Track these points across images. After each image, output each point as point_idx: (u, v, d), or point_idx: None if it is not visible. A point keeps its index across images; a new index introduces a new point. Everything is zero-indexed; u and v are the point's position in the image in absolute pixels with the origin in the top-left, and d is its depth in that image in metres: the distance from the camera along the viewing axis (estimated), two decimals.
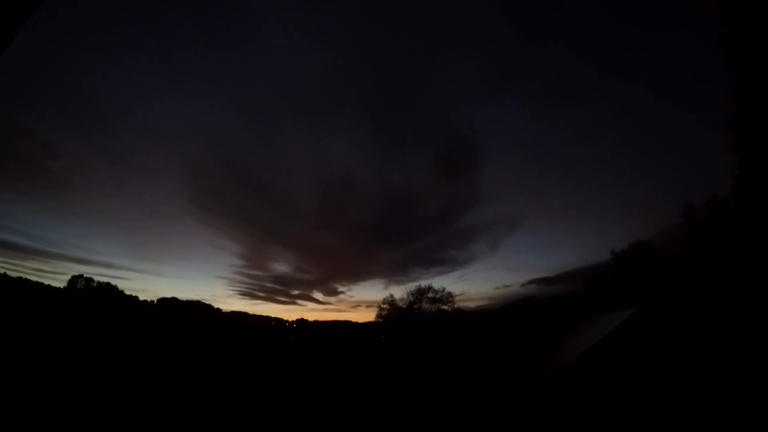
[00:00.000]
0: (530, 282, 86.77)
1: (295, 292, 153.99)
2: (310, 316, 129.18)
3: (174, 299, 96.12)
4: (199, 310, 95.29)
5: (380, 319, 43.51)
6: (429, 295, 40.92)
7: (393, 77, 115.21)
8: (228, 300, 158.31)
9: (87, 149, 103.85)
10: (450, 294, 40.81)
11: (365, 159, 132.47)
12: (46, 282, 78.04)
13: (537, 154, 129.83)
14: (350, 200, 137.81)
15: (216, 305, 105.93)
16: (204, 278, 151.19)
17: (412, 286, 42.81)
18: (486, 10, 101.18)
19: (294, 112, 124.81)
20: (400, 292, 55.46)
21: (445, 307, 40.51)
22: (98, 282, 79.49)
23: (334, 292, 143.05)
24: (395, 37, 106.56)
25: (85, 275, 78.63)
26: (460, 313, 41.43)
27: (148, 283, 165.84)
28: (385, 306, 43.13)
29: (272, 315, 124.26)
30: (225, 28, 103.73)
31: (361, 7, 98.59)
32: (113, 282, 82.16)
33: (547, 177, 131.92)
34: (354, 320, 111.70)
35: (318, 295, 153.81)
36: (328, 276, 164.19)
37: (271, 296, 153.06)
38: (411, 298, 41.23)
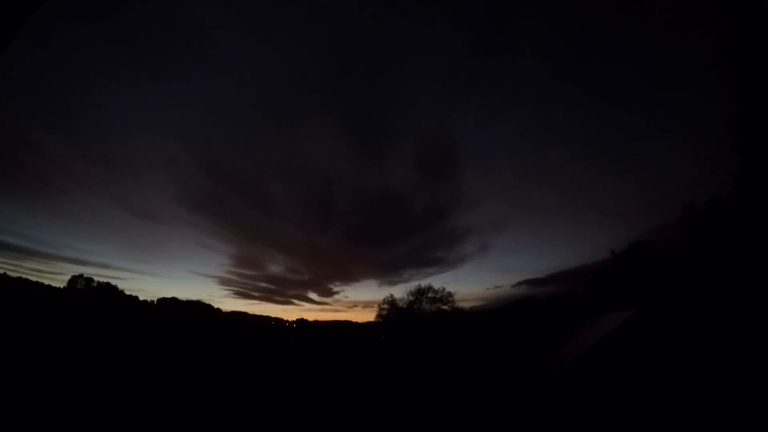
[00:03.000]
0: (520, 283, 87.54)
1: (291, 292, 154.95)
2: (309, 316, 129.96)
3: (174, 299, 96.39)
4: (200, 309, 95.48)
5: (380, 319, 43.60)
6: (429, 295, 40.97)
7: (367, 83, 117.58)
8: (224, 300, 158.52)
9: (74, 152, 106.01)
10: (450, 294, 40.86)
11: (347, 161, 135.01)
12: (45, 282, 78.35)
13: (523, 156, 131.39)
14: (336, 202, 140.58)
15: (214, 305, 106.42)
16: (198, 279, 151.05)
17: (411, 285, 42.89)
18: (455, 18, 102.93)
19: (271, 117, 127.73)
20: (395, 292, 55.75)
21: (444, 307, 40.57)
22: (98, 282, 79.81)
23: (329, 293, 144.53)
24: (362, 45, 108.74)
25: (84, 275, 79.02)
26: (460, 313, 41.47)
27: (144, 283, 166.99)
28: (385, 306, 43.22)
29: (272, 315, 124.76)
30: (200, 37, 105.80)
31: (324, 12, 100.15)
32: (111, 282, 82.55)
33: (536, 179, 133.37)
34: (353, 320, 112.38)
35: (313, 296, 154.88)
36: (321, 277, 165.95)
37: (266, 296, 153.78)
38: (411, 298, 41.29)
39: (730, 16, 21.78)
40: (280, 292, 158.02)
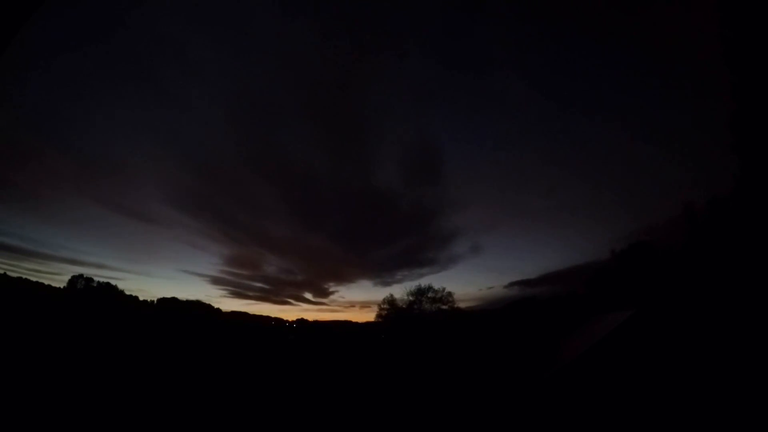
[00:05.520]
0: (513, 284, 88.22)
1: (286, 292, 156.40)
2: (308, 316, 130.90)
3: (174, 299, 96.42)
4: (200, 309, 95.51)
5: (380, 319, 43.65)
6: (429, 295, 41.02)
7: (348, 94, 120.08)
8: (221, 300, 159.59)
9: (67, 156, 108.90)
10: (450, 294, 40.93)
11: (333, 165, 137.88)
12: (45, 282, 78.66)
13: (507, 159, 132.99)
14: (324, 204, 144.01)
15: (213, 305, 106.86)
16: (191, 278, 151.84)
17: (411, 286, 43.03)
18: (426, 32, 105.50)
19: (256, 121, 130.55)
20: (389, 293, 55.89)
21: (444, 307, 40.60)
22: (98, 282, 79.86)
23: (325, 293, 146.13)
24: (341, 54, 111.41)
25: (84, 276, 79.10)
26: (460, 313, 41.52)
27: (139, 283, 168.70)
28: (385, 306, 43.28)
29: (271, 315, 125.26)
30: (184, 49, 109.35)
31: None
32: (111, 282, 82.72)
33: (522, 181, 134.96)
34: (351, 320, 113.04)
35: (308, 296, 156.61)
36: (315, 277, 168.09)
37: (262, 296, 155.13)
38: (411, 298, 41.34)
39: (730, 16, 21.76)
40: (275, 292, 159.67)
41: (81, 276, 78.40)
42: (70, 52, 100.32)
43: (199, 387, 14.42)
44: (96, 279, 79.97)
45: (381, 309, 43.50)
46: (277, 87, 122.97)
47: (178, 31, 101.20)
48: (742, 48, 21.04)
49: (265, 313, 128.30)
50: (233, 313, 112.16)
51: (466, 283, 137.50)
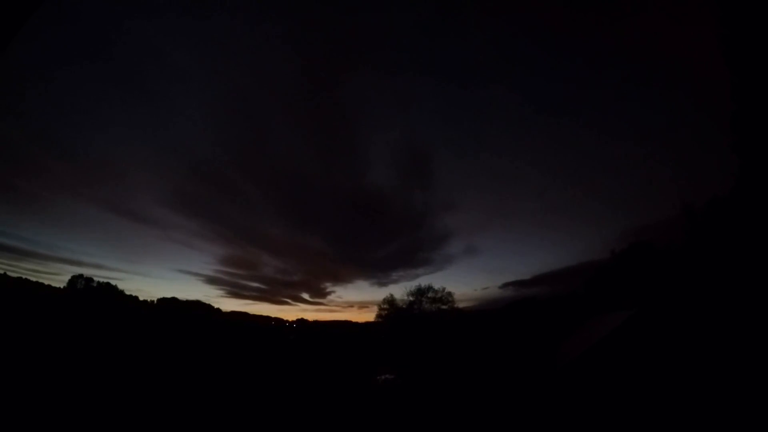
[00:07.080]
0: (507, 284, 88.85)
1: (284, 292, 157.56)
2: (307, 317, 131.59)
3: (174, 299, 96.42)
4: (201, 310, 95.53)
5: (380, 319, 43.61)
6: (429, 295, 40.99)
7: (337, 99, 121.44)
8: (219, 300, 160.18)
9: (63, 159, 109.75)
10: (450, 294, 40.88)
11: (325, 166, 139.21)
12: (45, 282, 78.88)
13: (497, 161, 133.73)
14: (318, 205, 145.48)
15: (213, 305, 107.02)
16: (188, 278, 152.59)
17: (408, 286, 43.00)
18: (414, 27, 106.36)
19: (247, 122, 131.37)
20: (386, 293, 55.88)
21: (444, 307, 40.59)
22: (98, 282, 79.87)
23: (322, 293, 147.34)
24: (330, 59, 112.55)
25: (84, 276, 79.12)
26: (460, 313, 41.52)
27: (137, 283, 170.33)
28: (385, 306, 43.24)
29: (271, 315, 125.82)
30: (177, 53, 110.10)
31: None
32: (111, 282, 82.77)
33: (514, 182, 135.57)
34: (351, 320, 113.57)
35: (306, 296, 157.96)
36: (311, 277, 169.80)
37: (260, 296, 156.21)
38: (411, 298, 41.31)
39: (729, 15, 21.71)
40: (272, 292, 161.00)
41: (81, 276, 78.56)
42: (68, 62, 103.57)
43: (204, 385, 14.44)
44: (96, 279, 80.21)
45: (381, 309, 43.43)
46: (269, 92, 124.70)
47: (170, 42, 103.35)
48: (742, 48, 21.00)
49: (264, 313, 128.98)
50: (233, 312, 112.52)
51: (462, 283, 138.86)
